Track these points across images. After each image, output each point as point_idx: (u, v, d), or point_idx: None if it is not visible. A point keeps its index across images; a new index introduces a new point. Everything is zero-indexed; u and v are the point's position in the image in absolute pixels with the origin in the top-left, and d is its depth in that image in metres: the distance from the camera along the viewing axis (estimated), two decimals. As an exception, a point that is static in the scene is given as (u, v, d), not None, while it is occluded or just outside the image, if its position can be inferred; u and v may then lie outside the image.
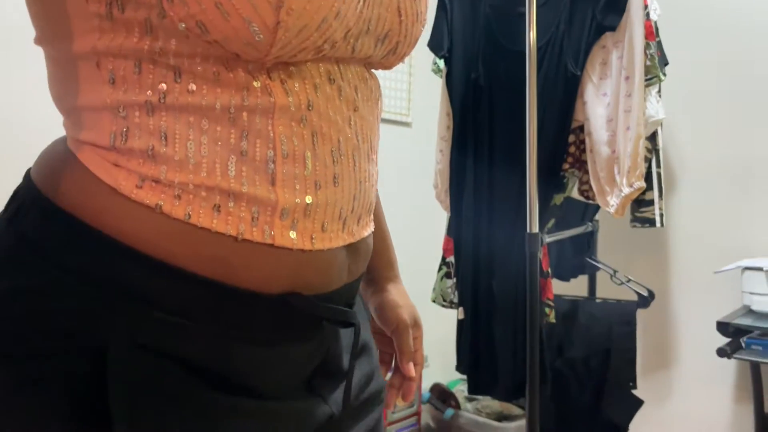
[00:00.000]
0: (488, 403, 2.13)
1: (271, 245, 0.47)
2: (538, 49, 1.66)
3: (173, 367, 0.45)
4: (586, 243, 2.08)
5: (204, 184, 0.46)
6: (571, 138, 1.78)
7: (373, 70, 0.58)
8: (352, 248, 0.56)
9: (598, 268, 2.08)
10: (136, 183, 0.45)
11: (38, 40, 0.51)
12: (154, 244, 0.45)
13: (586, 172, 1.80)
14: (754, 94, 2.14)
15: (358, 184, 0.53)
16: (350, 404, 0.58)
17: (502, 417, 2.13)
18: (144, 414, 0.43)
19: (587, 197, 1.87)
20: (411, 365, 0.70)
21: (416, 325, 0.72)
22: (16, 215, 0.48)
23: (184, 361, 0.46)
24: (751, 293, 1.90)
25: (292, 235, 0.48)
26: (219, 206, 0.46)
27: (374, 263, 0.71)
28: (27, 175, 0.53)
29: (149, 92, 0.46)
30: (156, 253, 0.45)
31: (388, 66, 0.59)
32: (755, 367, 2.03)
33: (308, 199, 0.49)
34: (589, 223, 2.06)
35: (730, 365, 2.15)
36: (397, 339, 0.71)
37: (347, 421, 0.59)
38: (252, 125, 0.46)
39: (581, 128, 1.78)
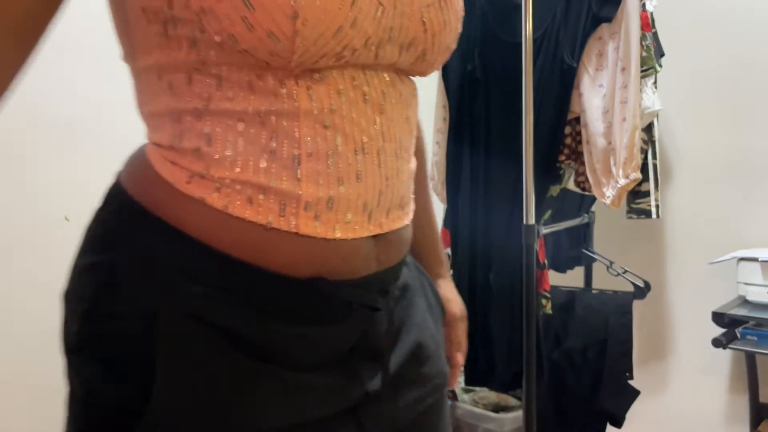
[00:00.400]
0: (485, 394, 2.14)
1: (296, 234, 0.53)
2: (534, 40, 1.66)
3: (211, 332, 0.51)
4: (583, 234, 2.08)
5: (239, 179, 0.52)
6: (568, 129, 1.78)
7: (411, 77, 0.63)
8: (381, 239, 0.60)
9: (594, 260, 2.09)
10: (186, 179, 0.54)
11: (122, 58, 0.60)
12: (200, 231, 0.53)
13: (583, 163, 1.80)
14: (750, 85, 2.14)
15: (384, 180, 0.58)
16: (391, 385, 0.62)
17: (499, 408, 2.14)
18: (183, 366, 0.50)
19: (583, 189, 1.87)
20: (460, 355, 0.82)
21: (463, 318, 0.83)
22: (103, 205, 0.61)
23: (221, 329, 0.52)
24: (747, 284, 1.91)
25: (316, 225, 0.54)
26: (251, 199, 0.52)
27: (425, 261, 0.78)
28: (118, 171, 0.62)
29: (197, 100, 0.53)
30: (201, 237, 0.53)
31: (421, 72, 0.62)
32: (750, 358, 2.04)
33: (330, 193, 0.54)
34: (586, 215, 2.07)
35: (725, 355, 2.16)
36: (448, 330, 0.81)
37: (389, 402, 0.62)
38: (280, 127, 0.52)
39: (577, 120, 1.78)
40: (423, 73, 0.63)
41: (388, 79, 0.58)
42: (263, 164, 0.52)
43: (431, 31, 0.58)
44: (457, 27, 0.62)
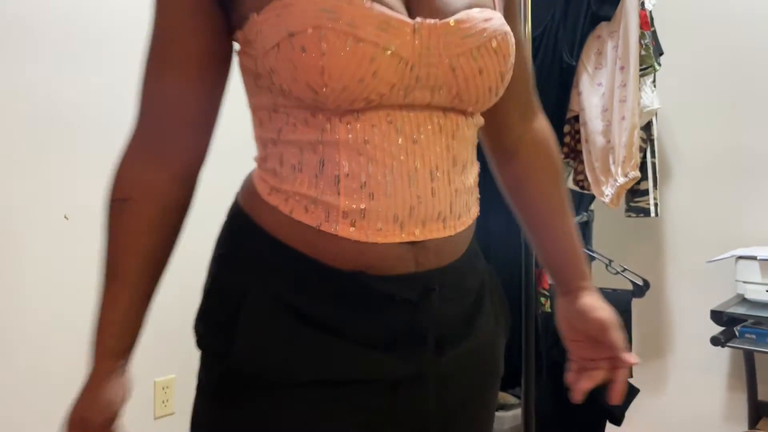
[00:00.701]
0: (484, 392, 2.14)
1: (336, 235, 0.68)
2: (534, 39, 1.66)
3: (277, 305, 0.69)
4: (582, 233, 2.09)
5: (298, 192, 0.69)
6: (567, 128, 1.79)
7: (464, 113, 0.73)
8: (419, 245, 0.70)
9: (593, 258, 2.09)
10: (267, 191, 0.71)
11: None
12: (275, 230, 0.70)
13: (581, 162, 1.80)
14: (749, 84, 2.14)
15: (415, 197, 0.69)
16: (436, 369, 0.72)
17: (498, 406, 2.14)
18: (255, 324, 0.68)
19: (582, 187, 1.87)
20: (630, 355, 0.81)
21: (614, 324, 0.82)
22: (229, 213, 0.77)
23: (285, 303, 0.69)
24: (745, 282, 1.91)
25: (352, 230, 0.68)
26: (307, 207, 0.68)
27: (564, 276, 0.85)
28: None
29: (274, 132, 0.71)
30: (276, 235, 0.70)
31: (467, 110, 0.72)
32: (749, 356, 2.05)
33: (362, 206, 0.67)
34: (585, 213, 2.07)
35: (724, 354, 2.16)
36: (607, 336, 0.82)
37: (437, 384, 0.73)
38: (326, 154, 0.68)
39: (576, 118, 1.79)
40: (471, 110, 0.72)
41: (425, 114, 0.69)
42: (314, 181, 0.68)
43: (462, 76, 0.68)
44: (499, 71, 0.70)
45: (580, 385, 0.85)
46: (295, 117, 0.68)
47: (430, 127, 0.69)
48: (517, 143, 0.87)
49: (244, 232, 0.73)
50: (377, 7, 0.63)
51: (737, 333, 1.80)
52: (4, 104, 1.59)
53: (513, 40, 0.72)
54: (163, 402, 1.94)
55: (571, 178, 1.89)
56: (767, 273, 1.86)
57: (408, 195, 0.68)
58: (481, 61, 0.68)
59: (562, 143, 1.79)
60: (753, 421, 2.06)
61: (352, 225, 0.68)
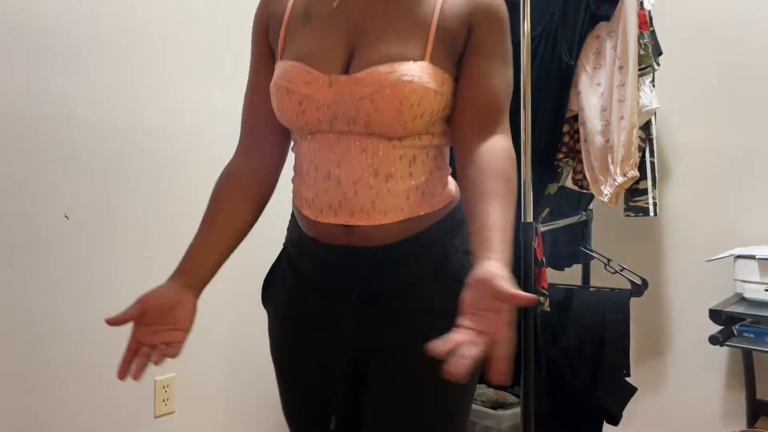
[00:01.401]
0: (483, 390, 2.15)
1: (308, 218, 1.02)
2: (533, 39, 1.66)
3: (294, 268, 1.08)
4: (580, 232, 2.09)
5: (296, 188, 1.07)
6: (566, 128, 1.79)
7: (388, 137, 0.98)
8: (350, 228, 1.00)
9: (592, 257, 2.10)
10: (293, 191, 1.07)
11: None
12: (299, 221, 1.06)
13: (580, 161, 1.81)
14: (748, 84, 2.15)
15: (342, 194, 0.98)
16: (358, 312, 1.01)
17: (497, 405, 2.15)
18: (276, 273, 1.13)
19: (581, 186, 1.88)
20: (461, 331, 0.77)
21: (484, 280, 0.79)
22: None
23: (293, 261, 1.09)
24: (743, 281, 1.92)
25: (308, 212, 1.02)
26: (297, 194, 1.06)
27: (476, 248, 0.90)
28: None
29: (294, 148, 1.07)
30: (300, 224, 1.06)
31: (386, 135, 0.97)
32: (747, 354, 2.06)
33: (311, 196, 1.01)
34: (584, 213, 2.07)
35: (722, 352, 2.17)
36: (493, 283, 0.77)
37: (359, 322, 1.01)
38: (301, 161, 1.04)
39: (575, 118, 1.79)
40: (389, 135, 0.96)
41: (351, 139, 0.97)
42: (298, 181, 1.05)
43: (365, 113, 0.94)
44: (396, 110, 0.93)
45: (457, 358, 0.74)
46: (292, 135, 1.08)
47: (353, 148, 0.97)
48: (473, 152, 0.97)
49: (290, 227, 1.12)
50: (304, 68, 0.97)
51: (736, 332, 1.81)
52: (5, 104, 1.60)
53: (416, 86, 0.93)
54: (164, 401, 1.95)
55: (570, 177, 1.90)
56: (766, 272, 1.87)
57: (337, 194, 0.98)
58: (378, 103, 0.93)
59: (561, 143, 1.79)
60: (751, 420, 2.06)
61: (309, 209, 1.02)
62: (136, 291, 1.91)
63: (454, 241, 1.03)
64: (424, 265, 1.01)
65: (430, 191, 1.01)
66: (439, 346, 0.74)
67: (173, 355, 0.94)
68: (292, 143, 1.08)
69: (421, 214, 1.00)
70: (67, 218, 1.71)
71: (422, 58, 0.96)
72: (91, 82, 1.76)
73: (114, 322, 0.92)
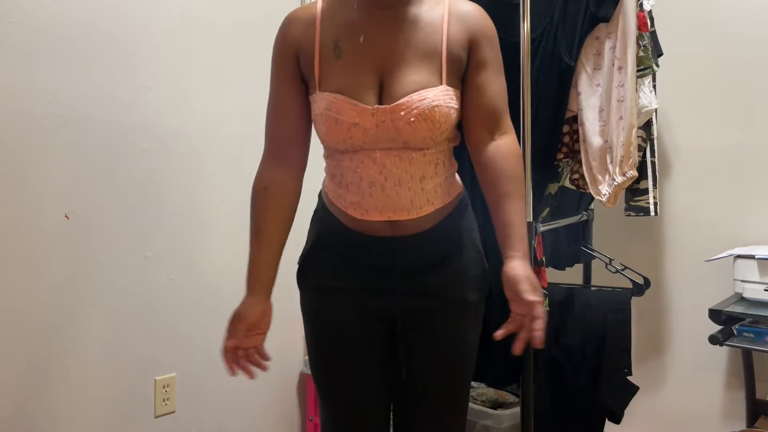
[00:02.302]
0: (483, 390, 2.14)
1: (347, 213, 1.24)
2: (533, 40, 1.66)
3: (330, 252, 1.29)
4: (581, 232, 2.09)
5: (335, 190, 1.26)
6: (566, 128, 1.79)
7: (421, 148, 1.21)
8: (392, 222, 1.22)
9: (593, 257, 2.10)
10: (327, 188, 1.29)
11: None
12: (330, 207, 1.28)
13: (578, 162, 1.81)
14: (748, 83, 2.15)
15: (386, 197, 1.20)
16: (401, 287, 1.26)
17: (497, 404, 2.14)
18: (314, 259, 1.31)
19: (578, 186, 1.87)
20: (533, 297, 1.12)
21: (528, 280, 1.13)
22: (318, 197, 1.35)
23: (332, 249, 1.29)
24: (743, 281, 1.92)
25: (354, 212, 1.23)
26: (339, 197, 1.25)
27: (502, 245, 1.19)
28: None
29: (327, 157, 1.28)
30: (330, 210, 1.28)
31: (419, 147, 1.20)
32: (747, 354, 2.06)
33: (358, 200, 1.22)
34: (584, 213, 2.07)
35: (722, 352, 2.17)
36: (518, 287, 1.12)
37: (401, 297, 1.27)
38: (343, 172, 1.23)
39: (575, 118, 1.79)
40: (421, 147, 1.19)
41: (390, 153, 1.18)
42: (339, 185, 1.24)
43: (405, 135, 1.16)
44: (428, 129, 1.16)
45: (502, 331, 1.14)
46: (329, 150, 1.26)
47: (393, 158, 1.18)
48: (486, 153, 1.23)
49: (319, 208, 1.32)
50: (348, 100, 1.16)
51: (735, 332, 1.81)
52: (4, 103, 1.60)
53: (443, 109, 1.16)
54: (164, 400, 1.95)
55: (567, 177, 1.90)
56: (765, 272, 1.87)
57: (381, 197, 1.20)
58: (415, 125, 1.16)
59: (561, 143, 1.79)
60: (751, 420, 2.06)
61: (354, 209, 1.23)
62: (136, 291, 1.91)
63: (463, 222, 1.31)
64: (448, 244, 1.27)
65: (448, 185, 1.26)
66: (512, 328, 1.13)
67: (268, 358, 1.25)
68: (322, 154, 1.29)
69: (444, 204, 1.25)
70: (67, 218, 1.71)
71: (440, 83, 1.18)
72: (91, 82, 1.76)
73: (230, 348, 1.21)
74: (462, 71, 1.21)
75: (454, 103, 1.18)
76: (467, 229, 1.31)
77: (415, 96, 1.15)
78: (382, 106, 1.15)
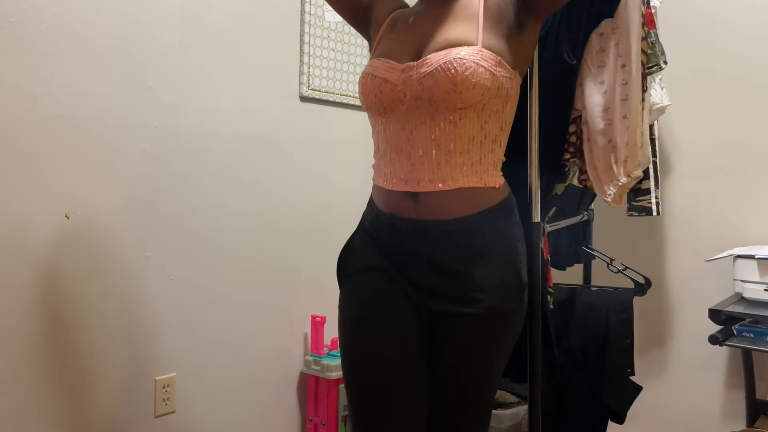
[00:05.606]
0: (484, 390, 2.14)
1: (380, 186, 1.30)
2: (539, 39, 1.65)
3: (369, 237, 1.33)
4: (582, 232, 2.09)
5: (376, 168, 1.32)
6: (572, 128, 1.77)
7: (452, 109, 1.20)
8: (416, 201, 1.23)
9: (593, 257, 2.09)
10: (374, 173, 1.33)
11: None
12: (376, 200, 1.33)
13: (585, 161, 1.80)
14: (749, 83, 2.15)
15: (411, 165, 1.22)
16: (427, 278, 1.25)
17: (497, 405, 2.15)
18: (351, 248, 1.37)
19: (585, 186, 1.87)
20: None
21: None
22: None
23: (371, 235, 1.32)
24: (743, 281, 1.92)
25: (383, 184, 1.28)
26: (377, 171, 1.32)
27: None
28: None
29: (374, 135, 1.32)
30: (377, 203, 1.32)
31: (447, 108, 1.18)
32: (747, 354, 2.06)
33: (388, 170, 1.26)
34: (585, 212, 2.07)
35: (722, 352, 2.18)
36: None
37: (429, 280, 1.26)
38: (377, 139, 1.30)
39: (582, 118, 1.78)
40: (448, 106, 1.17)
41: (419, 119, 1.20)
42: (378, 161, 1.30)
43: (427, 87, 1.17)
44: (449, 83, 1.15)
45: None
46: (370, 119, 1.31)
47: (420, 125, 1.20)
48: None
49: (369, 200, 1.37)
50: (385, 61, 1.24)
51: (735, 332, 1.81)
52: (4, 103, 1.58)
53: (467, 62, 1.14)
54: (164, 400, 1.93)
55: (575, 177, 1.89)
56: (765, 272, 1.87)
57: (407, 165, 1.22)
58: (437, 77, 1.16)
59: (567, 143, 1.77)
60: (751, 420, 2.07)
61: (385, 180, 1.27)
62: (136, 291, 1.90)
63: (502, 224, 1.26)
64: (479, 243, 1.23)
65: (482, 169, 1.22)
66: None
67: None
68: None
69: (473, 186, 1.22)
70: (68, 218, 1.70)
71: (475, 43, 1.18)
72: (91, 82, 1.74)
73: None
74: (508, 30, 1.22)
75: (485, 64, 1.16)
76: (507, 236, 1.26)
77: (441, 51, 1.18)
78: (410, 63, 1.20)
